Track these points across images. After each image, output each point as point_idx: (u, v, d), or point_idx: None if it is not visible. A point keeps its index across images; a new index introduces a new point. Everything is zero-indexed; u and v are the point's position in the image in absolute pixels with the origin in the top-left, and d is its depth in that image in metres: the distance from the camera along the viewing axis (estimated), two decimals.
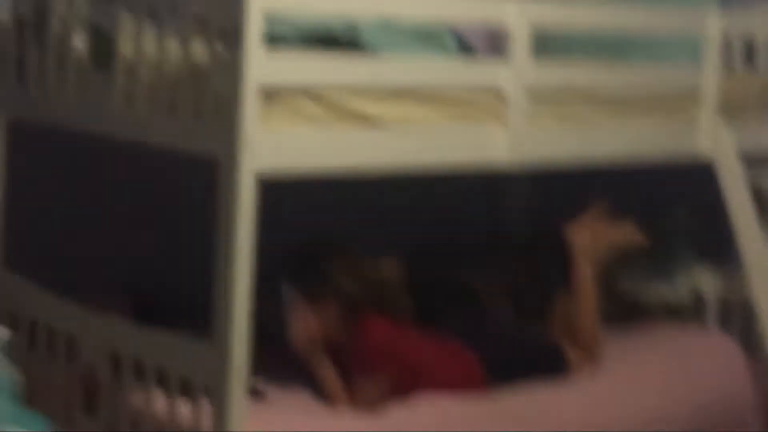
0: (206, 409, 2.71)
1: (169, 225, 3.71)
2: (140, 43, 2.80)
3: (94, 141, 3.09)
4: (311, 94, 2.72)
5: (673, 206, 4.04)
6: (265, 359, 3.37)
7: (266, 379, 3.25)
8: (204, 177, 2.70)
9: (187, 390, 2.77)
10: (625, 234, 3.70)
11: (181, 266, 3.43)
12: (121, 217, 3.70)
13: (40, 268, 3.39)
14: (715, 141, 3.53)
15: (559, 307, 3.67)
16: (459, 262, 4.03)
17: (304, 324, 3.17)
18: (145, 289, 3.46)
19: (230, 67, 2.56)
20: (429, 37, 3.11)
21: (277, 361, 3.34)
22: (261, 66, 2.57)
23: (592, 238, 3.66)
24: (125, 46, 2.85)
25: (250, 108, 2.56)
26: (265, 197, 2.66)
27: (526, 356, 3.46)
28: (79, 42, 3.02)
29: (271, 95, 2.64)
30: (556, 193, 4.37)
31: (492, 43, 3.53)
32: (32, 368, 3.20)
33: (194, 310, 2.93)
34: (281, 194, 3.03)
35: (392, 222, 4.19)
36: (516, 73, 3.05)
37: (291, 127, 2.69)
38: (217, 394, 2.66)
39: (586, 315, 3.59)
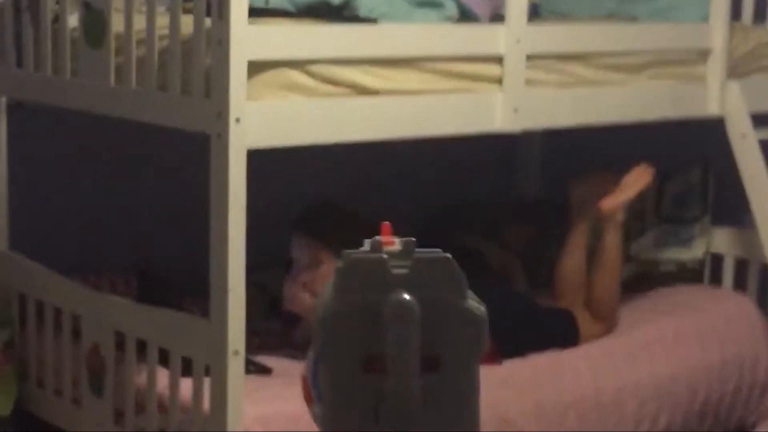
0: (207, 387, 2.70)
1: (176, 202, 3.69)
2: (131, 20, 2.77)
3: (95, 119, 3.08)
4: (302, 66, 2.68)
5: (689, 165, 3.98)
6: (276, 329, 3.40)
7: (278, 350, 3.26)
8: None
9: (188, 369, 2.76)
10: (630, 182, 3.61)
11: (187, 243, 3.41)
12: (126, 195, 3.69)
13: (45, 248, 3.40)
14: (724, 100, 3.47)
15: (560, 267, 3.64)
16: (469, 227, 4.00)
17: (298, 287, 3.12)
18: (150, 267, 3.44)
19: (217, 42, 2.53)
20: (430, 5, 3.06)
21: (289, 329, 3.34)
22: (248, 40, 2.53)
23: (593, 196, 3.59)
24: (117, 23, 2.83)
25: (239, 83, 2.53)
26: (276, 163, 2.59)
27: (538, 327, 3.43)
28: (74, 21, 3.00)
29: (260, 69, 2.61)
30: (569, 155, 4.33)
31: (496, 11, 3.47)
32: (41, 349, 3.22)
33: (200, 288, 2.92)
34: (292, 159, 3.02)
35: (403, 187, 4.16)
36: (513, 39, 3.00)
37: (282, 101, 2.66)
38: (215, 372, 2.65)
39: (608, 286, 3.52)
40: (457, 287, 1.32)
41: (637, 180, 3.50)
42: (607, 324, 3.51)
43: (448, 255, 1.32)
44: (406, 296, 1.27)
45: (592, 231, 3.60)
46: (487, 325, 1.33)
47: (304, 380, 1.56)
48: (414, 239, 1.39)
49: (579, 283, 3.61)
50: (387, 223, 1.67)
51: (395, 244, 1.57)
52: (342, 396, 1.29)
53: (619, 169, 3.61)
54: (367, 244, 1.60)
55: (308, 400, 1.57)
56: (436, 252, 1.32)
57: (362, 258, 1.31)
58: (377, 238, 1.41)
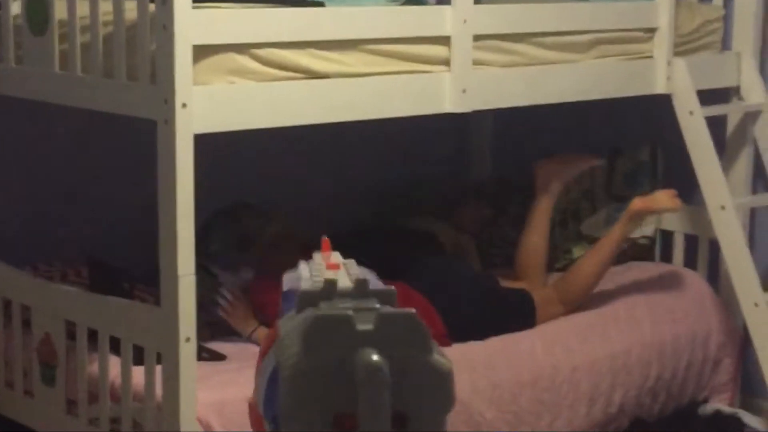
0: (159, 374, 2.69)
1: (126, 189, 3.67)
2: (74, 6, 2.75)
3: (43, 107, 3.05)
4: (248, 50, 2.67)
5: (638, 143, 4.00)
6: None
7: (232, 337, 3.27)
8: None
9: (140, 356, 2.75)
10: (584, 160, 3.67)
11: (137, 231, 3.39)
12: (75, 184, 3.66)
13: None
14: (671, 77, 3.48)
15: (522, 245, 3.66)
16: (422, 209, 4.00)
17: (231, 307, 3.22)
18: (101, 256, 3.42)
19: (161, 27, 2.51)
20: None
21: None
22: (192, 24, 2.51)
23: (553, 175, 3.63)
24: (60, 10, 2.81)
25: (184, 68, 2.51)
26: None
27: (496, 309, 3.43)
28: (16, 8, 2.97)
29: (206, 53, 2.59)
30: (520, 134, 4.34)
31: None
32: None
33: (152, 276, 2.90)
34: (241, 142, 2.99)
35: (355, 169, 4.16)
36: (460, 19, 2.99)
37: (229, 85, 2.64)
38: (167, 360, 2.63)
39: (591, 273, 3.52)
40: (422, 342, 1.32)
41: (671, 200, 3.54)
42: (570, 307, 3.52)
43: (412, 310, 1.33)
44: (376, 356, 1.27)
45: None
46: (453, 379, 1.32)
47: (253, 409, 1.53)
48: (366, 279, 1.40)
49: (541, 262, 3.64)
50: (326, 238, 1.67)
51: (340, 267, 1.57)
52: None
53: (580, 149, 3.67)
54: (304, 267, 1.59)
55: (258, 429, 1.54)
56: (401, 309, 1.32)
57: (328, 315, 1.31)
58: (329, 278, 1.40)
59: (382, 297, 1.39)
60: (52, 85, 2.87)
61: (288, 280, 1.58)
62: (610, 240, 3.55)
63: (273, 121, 2.73)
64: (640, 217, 3.57)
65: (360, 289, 1.38)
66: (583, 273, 3.53)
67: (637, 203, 3.56)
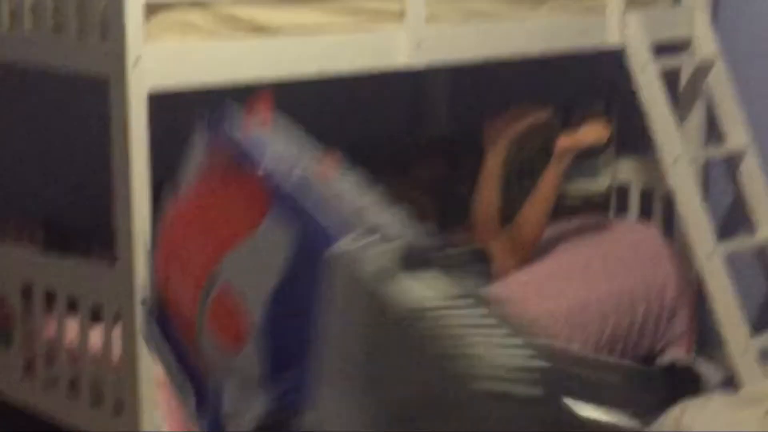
0: (117, 334, 2.68)
1: (81, 149, 3.63)
2: None
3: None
4: (201, 5, 2.65)
5: (593, 96, 4.01)
6: None
7: None
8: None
9: (98, 316, 2.74)
10: (530, 115, 3.67)
11: (93, 191, 3.36)
12: (29, 143, 3.62)
13: None
14: (624, 30, 3.49)
15: (475, 201, 3.66)
16: (376, 167, 3.99)
17: None
18: (56, 216, 3.39)
19: None
20: None
21: None
22: None
23: (500, 132, 3.62)
24: None
25: (136, 24, 2.49)
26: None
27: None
28: None
29: (158, 9, 2.57)
30: (476, 90, 4.34)
31: None
32: None
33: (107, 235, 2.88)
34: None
35: (305, 125, 4.13)
36: None
37: (181, 42, 2.62)
38: (125, 319, 2.62)
39: (534, 220, 3.53)
40: None
41: (596, 132, 3.57)
42: (523, 258, 3.54)
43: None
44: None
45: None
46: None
47: (229, 297, 1.36)
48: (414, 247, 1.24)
49: (494, 216, 3.63)
50: (267, 95, 1.45)
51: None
52: None
53: (530, 104, 3.66)
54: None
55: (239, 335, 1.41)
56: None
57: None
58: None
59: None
60: (1, 42, 2.83)
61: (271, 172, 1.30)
62: (545, 184, 3.55)
63: (225, 77, 2.71)
64: (568, 154, 3.56)
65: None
66: (527, 222, 3.54)
67: (563, 140, 3.57)
